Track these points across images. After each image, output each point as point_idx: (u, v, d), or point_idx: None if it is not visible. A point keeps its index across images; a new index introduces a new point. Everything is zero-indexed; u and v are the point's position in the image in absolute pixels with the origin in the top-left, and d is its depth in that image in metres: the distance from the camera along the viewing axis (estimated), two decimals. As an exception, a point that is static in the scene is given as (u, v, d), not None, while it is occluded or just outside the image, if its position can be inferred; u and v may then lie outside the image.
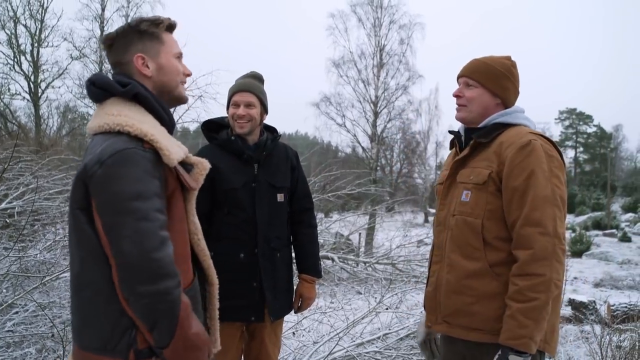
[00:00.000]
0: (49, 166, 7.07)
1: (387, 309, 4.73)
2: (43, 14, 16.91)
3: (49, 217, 5.68)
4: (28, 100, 17.02)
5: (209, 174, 1.61)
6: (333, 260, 8.19)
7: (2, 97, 15.94)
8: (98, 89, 1.46)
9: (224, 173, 2.33)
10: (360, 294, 6.53)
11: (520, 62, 2.01)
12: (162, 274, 1.28)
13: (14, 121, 16.09)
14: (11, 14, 16.38)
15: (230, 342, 2.33)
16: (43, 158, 7.32)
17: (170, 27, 1.57)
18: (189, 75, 1.60)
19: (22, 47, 16.82)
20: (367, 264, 8.53)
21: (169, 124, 1.50)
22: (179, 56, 1.57)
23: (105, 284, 1.31)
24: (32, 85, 16.95)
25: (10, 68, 16.51)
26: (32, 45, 16.92)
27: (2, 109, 15.71)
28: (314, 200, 2.67)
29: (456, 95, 1.96)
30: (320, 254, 3.13)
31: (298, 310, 2.57)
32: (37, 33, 16.88)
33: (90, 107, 16.43)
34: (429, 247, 2.20)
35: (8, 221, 5.10)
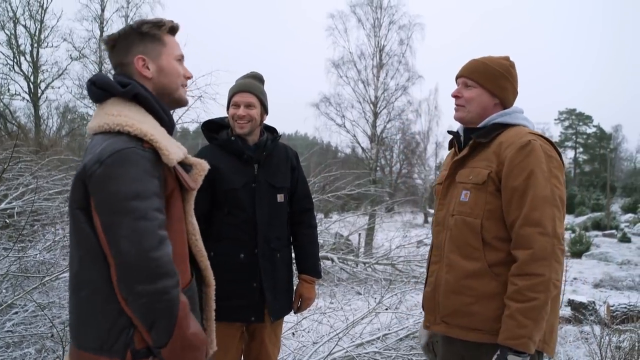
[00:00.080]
0: (49, 166, 7.07)
1: (386, 309, 4.74)
2: (43, 15, 16.93)
3: (49, 217, 5.69)
4: (28, 100, 17.04)
5: (209, 174, 1.61)
6: (333, 260, 8.19)
7: (1, 97, 15.95)
8: (98, 89, 1.46)
9: (224, 173, 2.33)
10: (360, 294, 6.54)
11: (520, 62, 2.02)
12: (161, 273, 1.28)
13: (13, 121, 16.08)
14: (11, 14, 16.41)
15: (230, 342, 2.33)
16: (43, 158, 7.32)
17: (173, 29, 1.57)
18: (189, 78, 1.60)
19: (21, 48, 16.85)
20: (367, 265, 8.53)
21: (168, 124, 1.51)
22: (181, 59, 1.58)
23: (103, 283, 1.31)
24: (31, 86, 16.95)
25: (9, 68, 16.53)
26: (32, 45, 16.94)
27: (1, 109, 15.71)
28: (313, 200, 2.67)
29: (455, 96, 1.96)
30: (320, 254, 3.13)
31: (298, 310, 2.57)
32: (37, 33, 16.90)
33: (90, 107, 16.43)
34: (429, 248, 2.20)
35: (8, 221, 5.10)
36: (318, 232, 2.73)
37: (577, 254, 15.42)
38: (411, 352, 3.84)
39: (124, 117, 1.38)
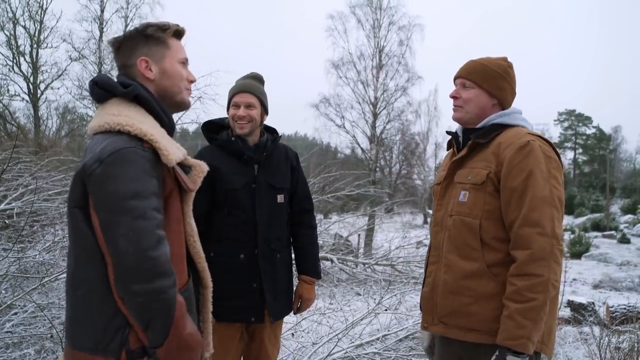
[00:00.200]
0: (48, 167, 7.07)
1: (386, 310, 4.74)
2: (42, 15, 16.92)
3: (48, 218, 5.68)
4: (27, 101, 17.01)
5: (209, 175, 1.62)
6: (332, 261, 8.19)
7: (1, 98, 15.93)
8: (100, 89, 1.47)
9: (224, 174, 2.33)
10: (360, 295, 6.54)
11: (519, 63, 2.03)
12: (158, 273, 1.28)
13: (13, 122, 16.06)
14: (10, 15, 16.39)
15: (230, 342, 2.33)
16: (42, 159, 7.31)
17: (178, 33, 1.59)
18: (192, 81, 1.61)
19: (21, 48, 16.82)
20: (366, 265, 8.53)
21: (169, 126, 1.51)
22: (185, 62, 1.58)
23: (99, 282, 1.31)
24: (31, 86, 16.93)
25: (9, 69, 16.50)
26: (31, 46, 16.91)
27: (1, 110, 15.70)
28: (313, 201, 2.68)
29: (453, 96, 1.96)
30: (320, 255, 3.13)
31: (297, 311, 2.57)
32: (36, 34, 16.87)
33: (90, 108, 16.44)
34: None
35: (7, 222, 5.10)
36: (318, 232, 2.73)
37: (576, 255, 15.41)
38: (410, 353, 3.85)
39: (124, 117, 1.38)
